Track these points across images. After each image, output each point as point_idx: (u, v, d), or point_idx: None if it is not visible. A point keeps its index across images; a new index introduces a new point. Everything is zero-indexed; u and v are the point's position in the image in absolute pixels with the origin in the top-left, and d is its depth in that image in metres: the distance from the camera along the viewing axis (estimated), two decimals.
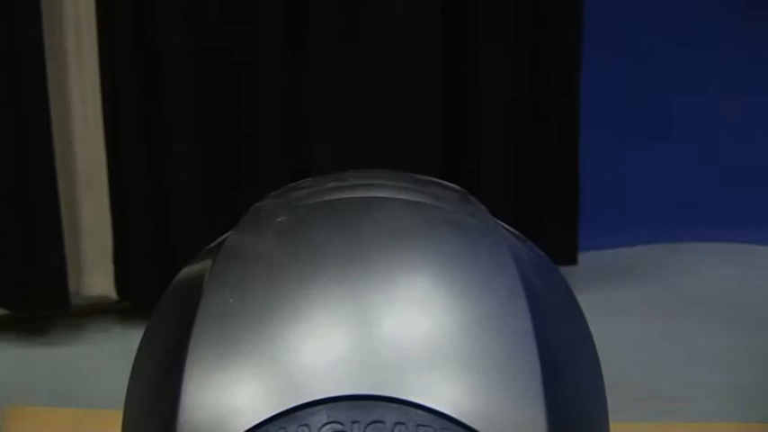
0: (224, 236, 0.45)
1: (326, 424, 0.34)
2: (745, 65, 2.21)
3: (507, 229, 0.46)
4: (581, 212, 2.02)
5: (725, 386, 1.54)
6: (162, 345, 0.42)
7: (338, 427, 0.34)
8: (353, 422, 0.34)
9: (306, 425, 0.34)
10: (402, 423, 0.34)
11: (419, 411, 0.34)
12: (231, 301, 0.40)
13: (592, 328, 0.45)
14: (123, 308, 1.91)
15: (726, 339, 1.74)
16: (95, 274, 1.88)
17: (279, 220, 0.45)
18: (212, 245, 0.46)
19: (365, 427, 0.34)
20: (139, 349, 0.44)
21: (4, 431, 0.79)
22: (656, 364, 1.68)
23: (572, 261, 1.90)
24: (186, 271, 0.46)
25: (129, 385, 0.42)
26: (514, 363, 0.37)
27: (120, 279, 1.86)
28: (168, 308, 0.45)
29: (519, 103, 1.94)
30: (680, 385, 1.56)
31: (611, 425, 0.41)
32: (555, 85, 1.94)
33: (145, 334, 0.45)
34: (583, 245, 2.02)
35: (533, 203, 1.97)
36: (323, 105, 1.89)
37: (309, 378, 0.35)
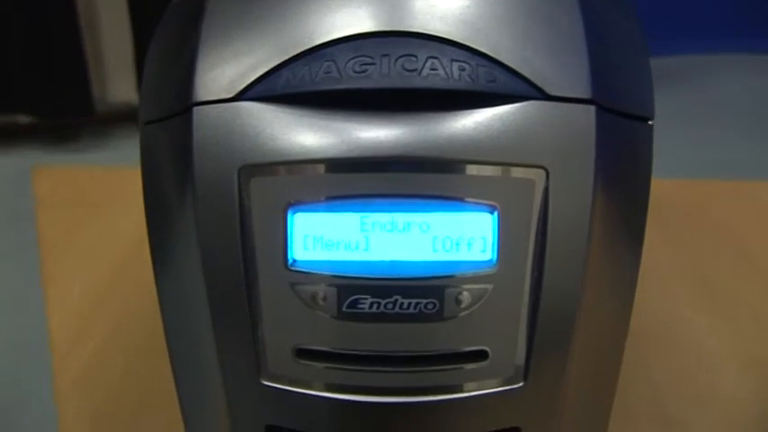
0: None
1: (354, 58, 0.32)
2: None
3: None
4: None
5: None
6: (176, 23, 0.39)
7: (366, 60, 0.32)
8: (383, 56, 0.32)
9: (332, 60, 0.32)
10: (435, 57, 0.32)
11: (454, 48, 0.32)
12: None
13: None
14: None
15: (749, 148, 1.72)
16: (118, 81, 1.86)
17: None
18: None
19: (395, 61, 0.31)
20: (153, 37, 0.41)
21: (33, 187, 0.79)
22: (682, 168, 1.66)
23: None
24: None
25: (146, 64, 0.40)
26: (556, 16, 0.34)
27: None
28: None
29: None
30: None
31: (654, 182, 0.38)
32: None
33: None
34: None
35: None
36: None
37: (336, 17, 0.33)
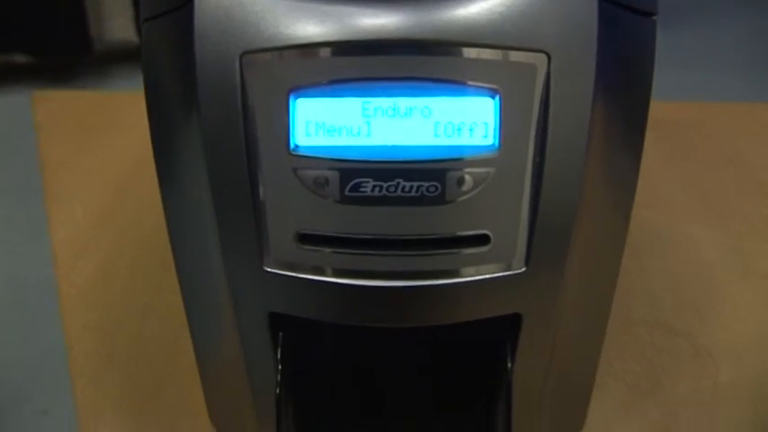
0: None
1: None
2: None
3: None
4: None
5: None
6: None
7: None
8: None
9: None
10: None
11: None
12: None
13: None
14: None
15: (752, 88, 1.71)
16: (116, 19, 1.84)
17: None
18: None
19: None
20: None
21: (33, 114, 0.79)
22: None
23: None
24: None
25: None
26: None
27: None
28: None
29: None
30: None
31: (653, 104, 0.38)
32: None
33: None
34: None
35: None
36: None
37: None
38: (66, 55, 1.85)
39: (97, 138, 0.74)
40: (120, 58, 1.89)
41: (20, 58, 1.87)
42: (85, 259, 0.58)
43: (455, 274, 0.33)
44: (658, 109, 0.43)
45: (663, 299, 0.54)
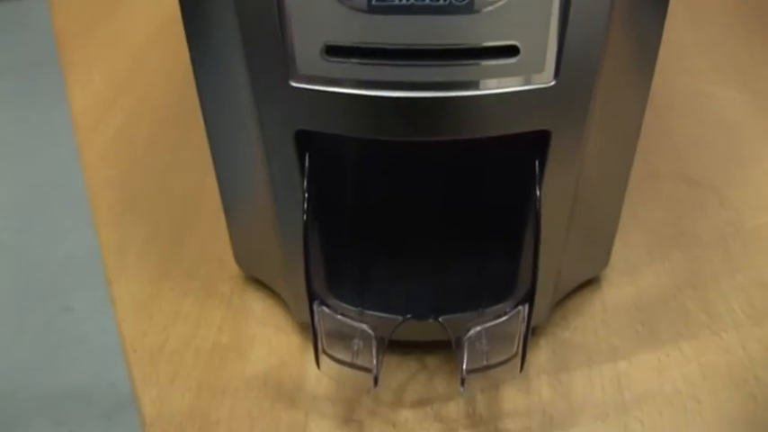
0: None
1: None
2: None
3: None
4: None
5: None
6: None
7: None
8: None
9: None
10: None
11: None
12: None
13: None
14: None
15: None
16: None
17: None
18: None
19: None
20: None
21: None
22: None
23: None
24: None
25: None
26: None
27: None
28: None
29: None
30: None
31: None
32: None
33: None
34: None
35: None
36: None
37: None
38: None
39: (112, 11, 0.73)
40: None
41: None
42: (106, 122, 0.58)
43: (483, 85, 0.33)
44: None
45: (688, 155, 0.54)
